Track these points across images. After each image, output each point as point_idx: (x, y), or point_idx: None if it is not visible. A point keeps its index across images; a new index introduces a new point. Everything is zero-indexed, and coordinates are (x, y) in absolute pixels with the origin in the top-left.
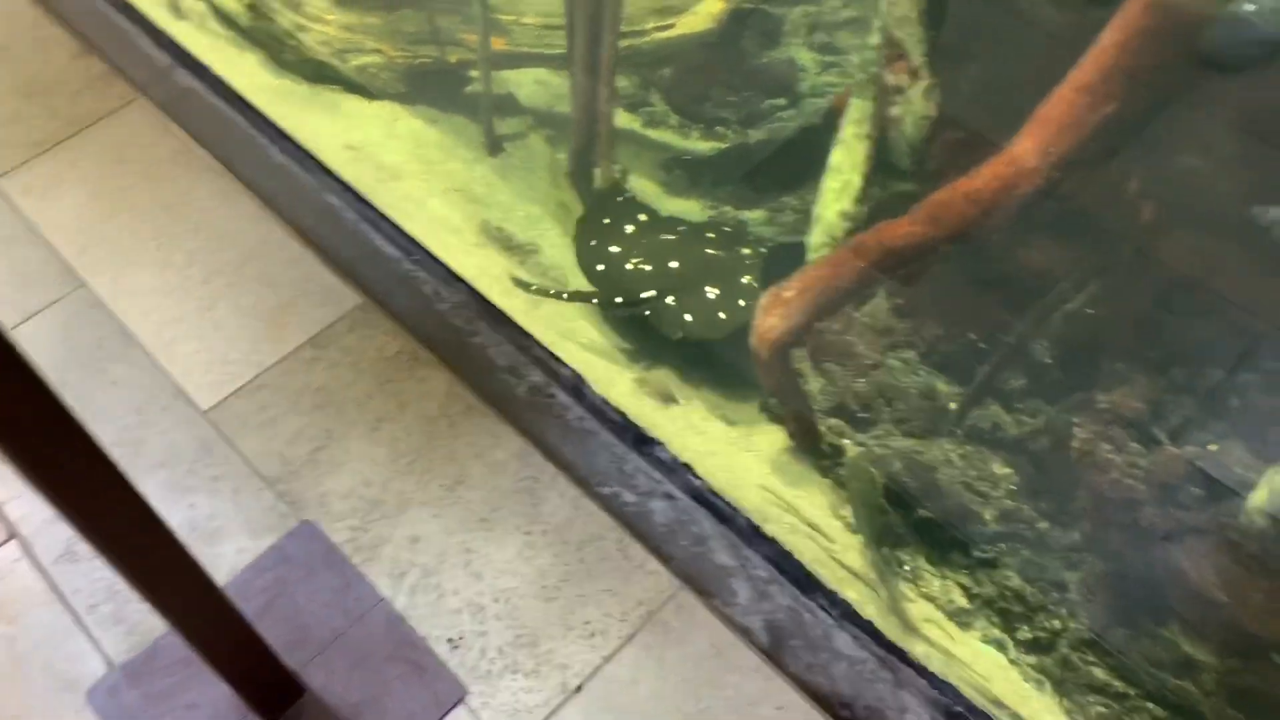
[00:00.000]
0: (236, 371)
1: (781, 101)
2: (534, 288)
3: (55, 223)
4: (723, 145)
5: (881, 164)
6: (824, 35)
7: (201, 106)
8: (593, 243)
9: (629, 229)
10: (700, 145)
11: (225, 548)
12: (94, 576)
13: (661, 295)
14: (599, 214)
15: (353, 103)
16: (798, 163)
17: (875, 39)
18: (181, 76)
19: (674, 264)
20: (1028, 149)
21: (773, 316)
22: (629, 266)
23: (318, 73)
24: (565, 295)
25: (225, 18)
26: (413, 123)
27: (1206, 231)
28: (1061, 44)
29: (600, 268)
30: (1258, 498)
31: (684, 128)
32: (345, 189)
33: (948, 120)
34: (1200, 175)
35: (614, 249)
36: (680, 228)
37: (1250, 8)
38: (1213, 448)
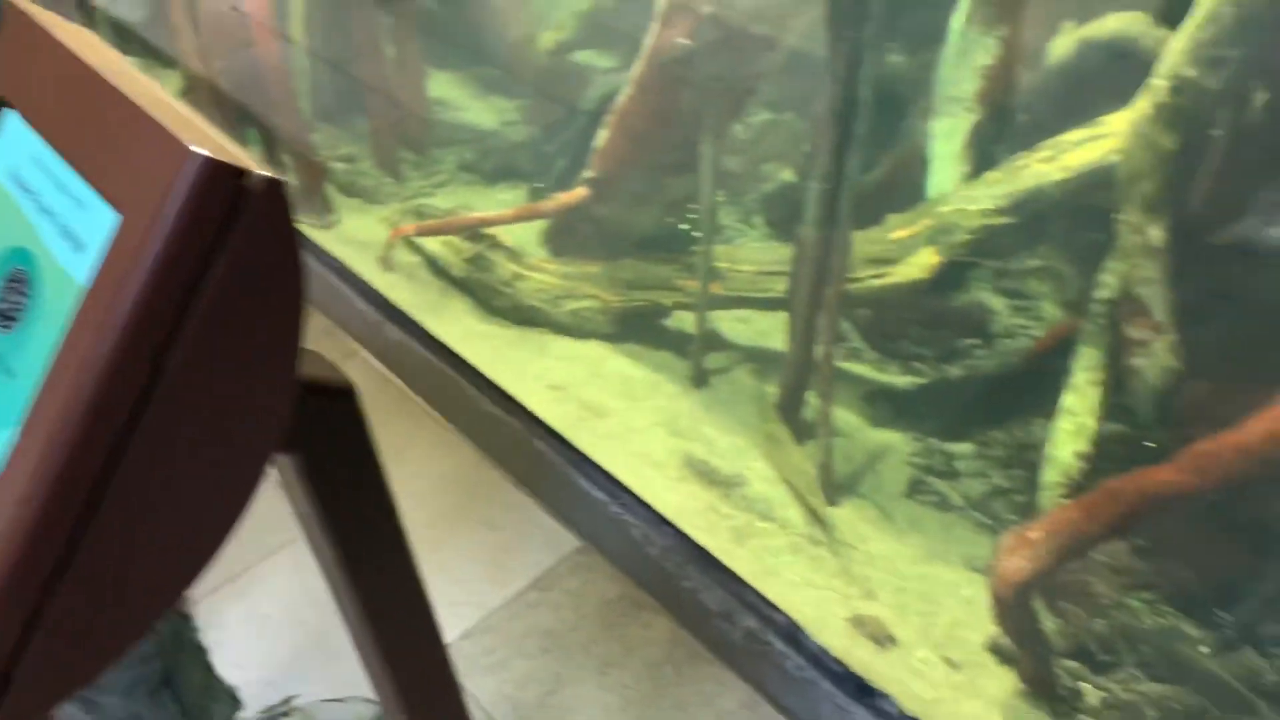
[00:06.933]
0: (463, 614)
1: (976, 341)
2: None
3: None
4: (921, 380)
5: (1114, 408)
6: (1011, 282)
7: (413, 357)
8: None
9: None
10: (899, 380)
11: None
12: None
13: None
14: None
15: (560, 344)
16: (1002, 400)
17: (1105, 294)
18: (391, 330)
19: None
20: None
21: (1019, 558)
22: None
23: (527, 317)
24: None
25: (438, 268)
26: (619, 361)
27: None
28: None
29: None
30: None
31: (881, 363)
32: (550, 433)
33: (1192, 372)
34: None
35: None
36: None
37: None
38: None
